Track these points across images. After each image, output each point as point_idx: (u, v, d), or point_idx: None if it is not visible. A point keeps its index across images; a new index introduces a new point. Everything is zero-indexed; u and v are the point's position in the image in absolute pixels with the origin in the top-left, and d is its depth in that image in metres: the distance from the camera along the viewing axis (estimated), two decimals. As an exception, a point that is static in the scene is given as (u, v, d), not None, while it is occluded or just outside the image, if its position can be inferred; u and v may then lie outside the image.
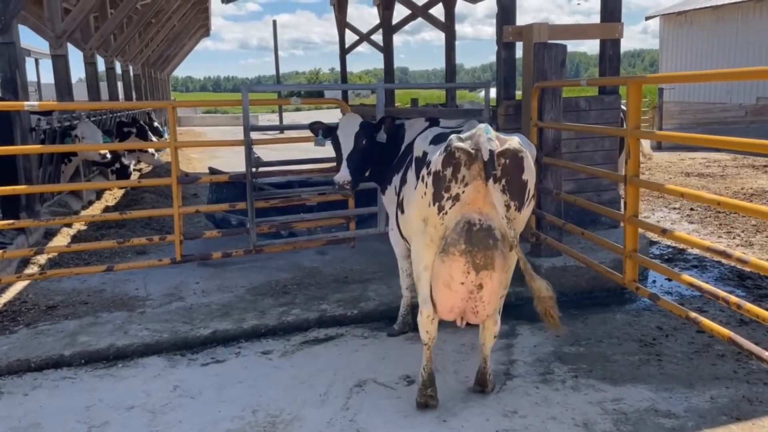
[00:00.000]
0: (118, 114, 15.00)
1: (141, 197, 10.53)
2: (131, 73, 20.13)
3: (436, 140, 3.69)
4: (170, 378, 4.45)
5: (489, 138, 3.38)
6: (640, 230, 4.66)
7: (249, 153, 5.68)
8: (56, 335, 5.01)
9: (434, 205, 3.47)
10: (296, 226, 6.30)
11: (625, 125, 5.81)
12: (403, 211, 4.01)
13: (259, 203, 5.90)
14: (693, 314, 3.81)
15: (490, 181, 3.33)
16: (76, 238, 8.08)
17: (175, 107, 5.38)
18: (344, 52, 15.61)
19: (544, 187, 5.95)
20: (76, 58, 23.04)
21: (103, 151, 8.60)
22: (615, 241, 4.95)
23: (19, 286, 6.16)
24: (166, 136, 24.85)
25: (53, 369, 4.59)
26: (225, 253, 5.72)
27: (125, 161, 11.94)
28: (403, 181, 4.04)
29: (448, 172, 3.38)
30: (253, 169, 5.89)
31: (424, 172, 3.53)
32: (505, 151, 3.41)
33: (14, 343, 4.85)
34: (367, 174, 4.85)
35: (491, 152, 3.31)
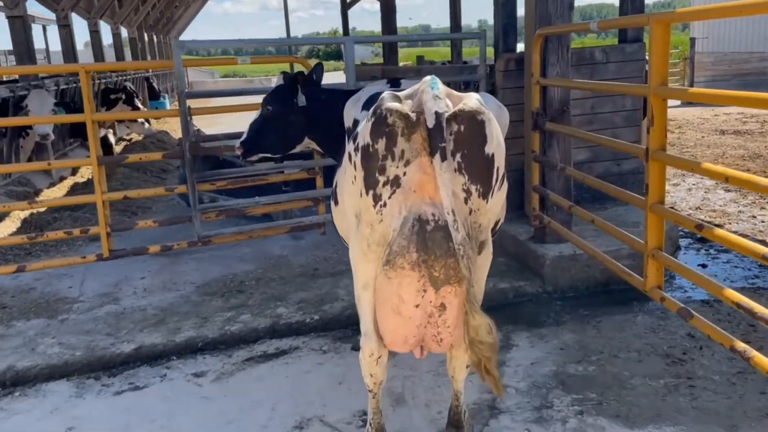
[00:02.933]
0: (104, 80, 14.05)
1: (114, 173, 9.62)
2: (125, 37, 19.09)
3: (371, 103, 2.67)
4: (69, 414, 3.56)
5: (435, 95, 2.35)
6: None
7: (185, 124, 4.69)
8: (-51, 353, 4.16)
9: (367, 194, 2.45)
10: (252, 211, 5.30)
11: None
12: (336, 203, 3.01)
13: (203, 186, 4.92)
14: (741, 345, 2.75)
15: (437, 156, 2.32)
16: (27, 223, 7.22)
17: (89, 71, 4.38)
18: (345, 6, 14.33)
19: (548, 159, 4.85)
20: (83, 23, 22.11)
21: (43, 131, 7.62)
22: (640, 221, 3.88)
23: (-62, 285, 5.33)
24: (167, 103, 24.07)
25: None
26: (164, 246, 4.79)
27: (103, 132, 11.01)
28: (340, 163, 3.06)
29: (380, 145, 2.37)
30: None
31: (351, 147, 2.53)
32: (459, 113, 2.38)
33: None
34: (272, 145, 4.21)
35: (438, 115, 2.30)
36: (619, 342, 4.12)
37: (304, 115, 4.09)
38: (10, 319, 4.69)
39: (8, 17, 9.03)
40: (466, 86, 6.26)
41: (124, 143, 14.21)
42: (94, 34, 12.68)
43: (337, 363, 3.99)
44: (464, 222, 2.44)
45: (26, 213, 7.39)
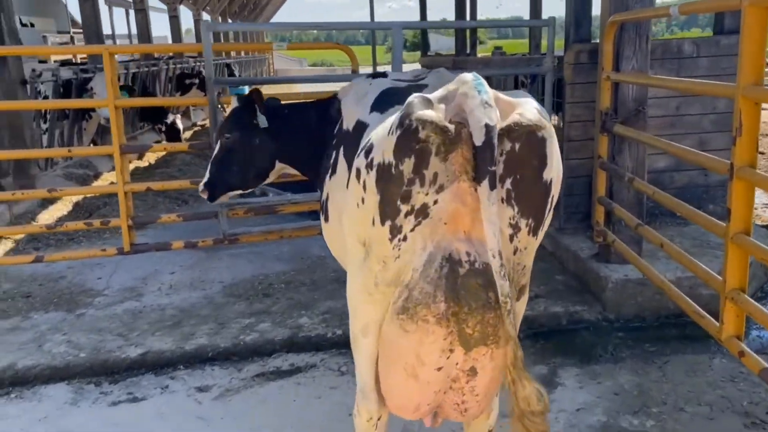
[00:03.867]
0: (180, 65, 14.18)
1: (174, 158, 9.56)
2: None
3: (383, 102, 2.18)
4: (56, 425, 3.30)
5: (484, 102, 1.77)
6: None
7: (214, 114, 4.34)
8: (-41, 344, 4.02)
9: (383, 223, 1.89)
10: (284, 209, 4.90)
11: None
12: (326, 218, 2.54)
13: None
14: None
15: (485, 183, 1.76)
16: (78, 207, 7.19)
17: (113, 53, 4.12)
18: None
19: (616, 168, 4.19)
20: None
21: (106, 114, 7.54)
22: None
23: (-25, 268, 5.28)
24: (246, 90, 24.26)
25: (-74, 396, 3.59)
26: (188, 242, 4.49)
27: (172, 117, 11.02)
28: (329, 170, 2.58)
29: (407, 165, 1.81)
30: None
31: (361, 162, 1.95)
32: (516, 127, 1.82)
33: None
34: (241, 178, 3.51)
35: (489, 129, 1.74)
36: (688, 391, 3.45)
37: (270, 136, 3.45)
38: (30, 310, 4.54)
39: (80, 0, 9.09)
40: (532, 81, 5.63)
41: (196, 128, 14.31)
42: (173, 19, 12.74)
43: (351, 388, 3.54)
44: (509, 265, 1.90)
45: (80, 197, 7.37)
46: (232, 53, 22.48)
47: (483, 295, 1.90)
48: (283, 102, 3.62)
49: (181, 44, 13.58)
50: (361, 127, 2.19)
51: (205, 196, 3.58)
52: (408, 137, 1.78)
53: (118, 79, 10.00)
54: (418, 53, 17.11)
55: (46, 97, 7.46)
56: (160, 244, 4.54)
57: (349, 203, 2.07)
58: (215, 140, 3.57)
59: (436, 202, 1.85)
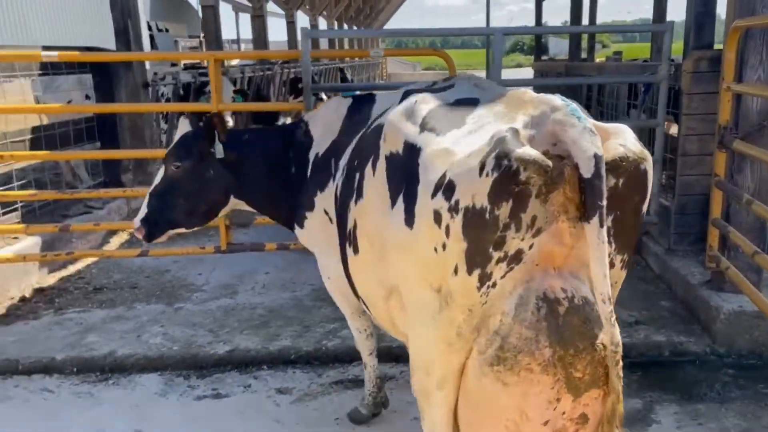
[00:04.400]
0: (293, 69, 14.65)
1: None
2: (322, 29, 19.88)
3: (445, 118, 1.88)
4: (145, 414, 3.46)
5: (587, 128, 1.61)
6: None
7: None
8: (71, 329, 4.33)
9: (470, 272, 1.72)
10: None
11: None
12: (357, 251, 2.31)
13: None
14: None
15: (594, 221, 1.60)
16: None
17: (218, 59, 4.27)
18: (539, -3, 13.36)
19: (734, 188, 3.80)
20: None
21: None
22: None
23: (92, 259, 5.69)
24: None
25: (42, 374, 3.87)
26: (281, 244, 4.57)
27: (282, 120, 11.40)
28: (351, 194, 2.33)
29: (504, 210, 1.64)
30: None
31: (439, 203, 1.71)
32: (622, 160, 1.67)
33: (23, 335, 4.26)
34: (187, 215, 3.12)
35: (597, 160, 1.58)
36: (807, 443, 3.05)
37: (228, 167, 3.03)
38: (134, 301, 4.81)
39: (203, 6, 9.61)
40: (646, 90, 5.27)
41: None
42: (290, 25, 13.22)
43: (429, 406, 3.44)
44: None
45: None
46: (346, 58, 23.02)
47: (589, 332, 1.72)
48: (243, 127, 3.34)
49: (281, 51, 14.09)
50: (413, 152, 1.87)
51: (140, 235, 3.09)
52: (507, 180, 1.60)
53: (235, 83, 10.46)
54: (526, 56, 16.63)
55: (168, 100, 7.93)
56: (255, 245, 4.66)
57: (419, 245, 1.82)
58: (160, 168, 3.13)
59: (531, 246, 1.69)
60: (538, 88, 2.11)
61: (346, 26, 23.67)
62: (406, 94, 2.29)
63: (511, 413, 1.78)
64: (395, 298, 2.13)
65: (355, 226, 2.29)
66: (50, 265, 5.40)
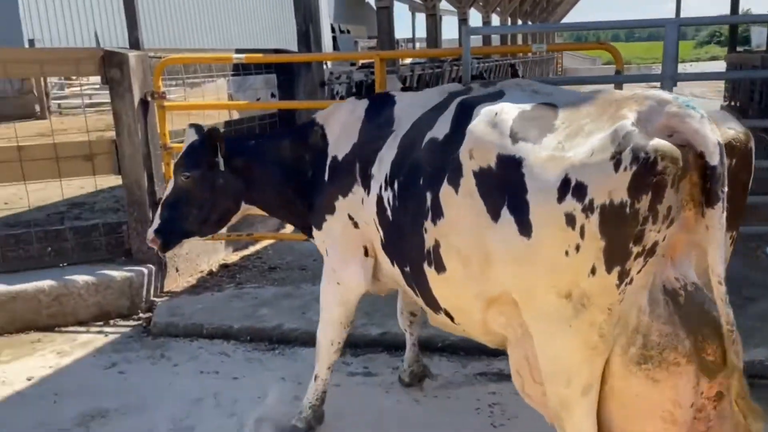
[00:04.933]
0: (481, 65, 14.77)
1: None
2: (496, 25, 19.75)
3: (533, 126, 1.90)
4: (303, 383, 3.79)
5: (705, 118, 1.69)
6: None
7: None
8: (248, 302, 4.85)
9: (609, 271, 1.76)
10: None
11: None
12: (443, 269, 2.27)
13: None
14: None
15: (719, 205, 1.67)
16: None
17: (383, 58, 4.52)
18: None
19: None
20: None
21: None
22: None
23: (269, 241, 6.29)
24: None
25: (221, 340, 4.41)
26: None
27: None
28: (422, 213, 2.29)
29: (644, 202, 1.69)
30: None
31: (570, 205, 1.75)
32: (735, 142, 1.76)
33: (210, 304, 4.86)
34: (200, 224, 3.18)
35: (721, 147, 1.66)
36: None
37: (237, 175, 3.09)
38: (302, 281, 5.26)
39: (378, 8, 10.08)
40: None
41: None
42: (462, 22, 13.37)
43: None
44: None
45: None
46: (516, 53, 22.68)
47: (709, 316, 1.80)
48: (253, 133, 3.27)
49: (444, 48, 14.24)
50: (507, 164, 1.90)
51: (155, 246, 3.16)
52: (646, 172, 1.65)
53: (404, 81, 10.84)
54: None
55: (342, 97, 8.47)
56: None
57: (540, 254, 1.85)
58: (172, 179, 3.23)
59: (665, 238, 1.74)
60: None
61: (520, 22, 23.29)
62: (451, 96, 2.41)
63: (666, 405, 1.87)
64: (496, 308, 2.17)
65: (437, 245, 2.27)
66: (234, 244, 6.07)
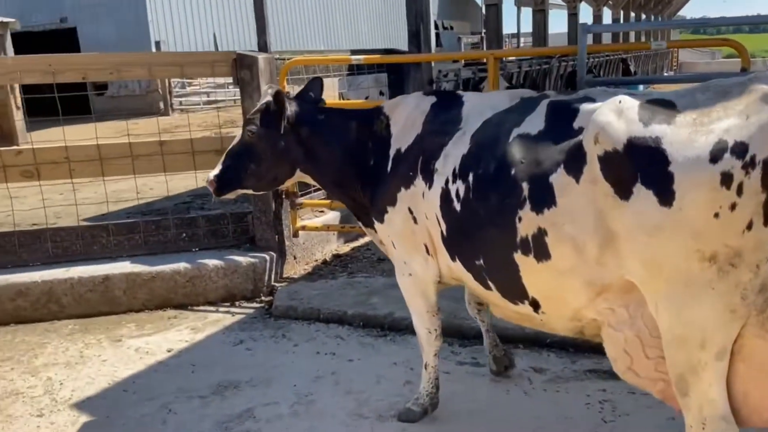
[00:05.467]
0: (572, 62, 14.46)
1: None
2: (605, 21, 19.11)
3: (660, 113, 2.05)
4: (414, 369, 4.00)
5: None
6: None
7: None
8: (360, 290, 5.11)
9: (766, 224, 1.89)
10: None
11: None
12: (547, 257, 2.37)
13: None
14: None
15: None
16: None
17: (497, 57, 4.61)
18: None
19: None
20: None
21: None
22: None
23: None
24: (641, 89, 23.10)
25: (336, 324, 4.69)
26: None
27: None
28: (518, 204, 2.40)
29: None
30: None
31: (725, 165, 1.87)
32: None
33: (325, 291, 5.16)
34: (255, 179, 3.34)
35: None
36: None
37: (298, 142, 3.21)
38: (411, 273, 5.46)
39: (487, 5, 10.10)
40: None
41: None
42: (572, 17, 13.10)
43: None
44: None
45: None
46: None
47: None
48: (325, 105, 3.37)
49: (559, 47, 13.93)
50: (641, 143, 2.02)
51: (211, 188, 3.32)
52: None
53: (511, 78, 10.80)
54: None
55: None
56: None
57: (684, 220, 1.95)
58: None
59: None
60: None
61: (633, 15, 22.36)
62: (528, 100, 2.65)
63: None
64: (603, 295, 2.28)
65: (540, 234, 2.36)
66: (346, 236, 6.38)
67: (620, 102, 2.14)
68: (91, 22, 20.98)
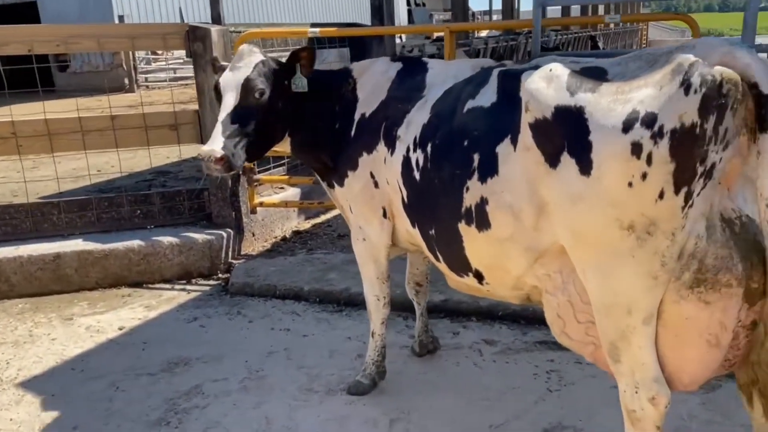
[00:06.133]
0: (541, 39, 14.45)
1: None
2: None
3: (587, 81, 2.05)
4: (367, 342, 4.01)
5: (755, 54, 1.91)
6: None
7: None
8: (318, 266, 5.09)
9: (677, 192, 1.90)
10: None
11: None
12: (487, 226, 2.39)
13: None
14: None
15: None
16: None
17: (453, 31, 4.56)
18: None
19: None
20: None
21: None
22: None
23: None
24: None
25: (293, 300, 4.68)
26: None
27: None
28: (467, 173, 2.42)
29: (709, 123, 1.86)
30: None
31: (635, 135, 1.88)
32: None
33: (282, 267, 5.13)
34: (264, 147, 3.15)
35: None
36: None
37: (294, 103, 3.06)
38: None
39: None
40: None
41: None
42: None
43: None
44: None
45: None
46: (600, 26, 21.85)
47: (758, 246, 1.94)
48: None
49: (512, 21, 13.96)
50: (568, 111, 2.02)
51: (219, 165, 2.84)
52: (713, 94, 1.85)
53: (478, 54, 10.76)
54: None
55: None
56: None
57: (602, 189, 1.97)
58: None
59: (720, 160, 1.92)
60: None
61: (601, -9, 22.39)
62: (487, 70, 2.63)
63: (713, 328, 2.00)
64: (540, 261, 2.31)
65: (482, 203, 2.39)
66: (306, 212, 6.34)
67: (551, 70, 2.13)
68: (53, -4, 20.35)
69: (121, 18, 19.62)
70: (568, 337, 2.38)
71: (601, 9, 22.93)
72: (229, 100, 2.93)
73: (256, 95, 2.94)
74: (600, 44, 20.51)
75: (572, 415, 3.12)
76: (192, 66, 5.28)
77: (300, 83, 3.02)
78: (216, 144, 2.85)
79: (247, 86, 2.93)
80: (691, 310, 2.00)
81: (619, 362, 2.15)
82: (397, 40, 15.75)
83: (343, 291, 4.63)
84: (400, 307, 4.38)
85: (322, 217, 6.43)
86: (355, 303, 4.54)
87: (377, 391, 3.43)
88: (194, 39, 4.99)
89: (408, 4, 34.22)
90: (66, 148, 5.11)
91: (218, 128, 2.89)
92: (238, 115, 2.90)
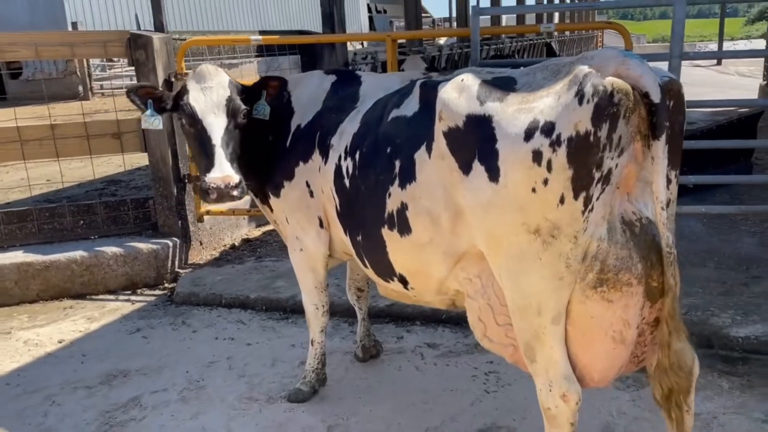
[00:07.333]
0: (495, 45, 14.68)
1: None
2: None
3: (497, 90, 2.11)
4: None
5: (647, 65, 1.99)
6: None
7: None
8: (265, 274, 5.08)
9: (576, 197, 1.99)
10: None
11: None
12: (408, 231, 2.47)
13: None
14: None
15: (662, 139, 1.98)
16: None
17: (395, 39, 4.63)
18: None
19: None
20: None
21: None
22: None
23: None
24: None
25: (239, 309, 4.65)
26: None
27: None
28: (389, 180, 2.50)
29: (603, 131, 1.95)
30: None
31: (537, 142, 1.96)
32: (672, 85, 2.02)
33: (229, 276, 5.10)
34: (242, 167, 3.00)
35: (660, 87, 1.97)
36: None
37: (253, 128, 3.05)
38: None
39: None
40: None
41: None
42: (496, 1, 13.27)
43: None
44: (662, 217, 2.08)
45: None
46: (567, 33, 22.35)
47: (657, 246, 2.04)
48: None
49: (451, 29, 14.19)
50: (478, 120, 2.10)
51: (236, 192, 2.81)
52: (605, 103, 1.93)
53: (433, 61, 10.86)
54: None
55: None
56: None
57: (508, 195, 2.04)
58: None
59: (617, 166, 2.01)
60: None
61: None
62: (413, 83, 2.66)
63: (617, 325, 2.10)
64: (459, 265, 2.38)
65: (403, 209, 2.46)
66: (257, 220, 6.31)
67: (462, 80, 2.19)
68: (2, 1, 19.84)
69: (74, 25, 19.23)
70: (489, 340, 2.43)
71: (556, 16, 23.38)
72: (217, 122, 2.88)
73: (242, 116, 2.94)
74: (556, 50, 20.95)
75: (507, 416, 3.18)
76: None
77: (263, 110, 3.01)
78: (226, 169, 2.80)
79: (233, 107, 2.92)
80: (596, 309, 2.09)
81: (535, 362, 2.22)
82: (358, 46, 15.85)
83: (290, 299, 4.62)
84: (345, 312, 4.41)
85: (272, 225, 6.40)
86: (301, 311, 4.42)
87: (318, 398, 3.43)
88: (136, 47, 4.94)
89: (369, 11, 34.39)
90: (4, 158, 4.99)
91: (219, 152, 2.83)
92: (230, 137, 2.89)
